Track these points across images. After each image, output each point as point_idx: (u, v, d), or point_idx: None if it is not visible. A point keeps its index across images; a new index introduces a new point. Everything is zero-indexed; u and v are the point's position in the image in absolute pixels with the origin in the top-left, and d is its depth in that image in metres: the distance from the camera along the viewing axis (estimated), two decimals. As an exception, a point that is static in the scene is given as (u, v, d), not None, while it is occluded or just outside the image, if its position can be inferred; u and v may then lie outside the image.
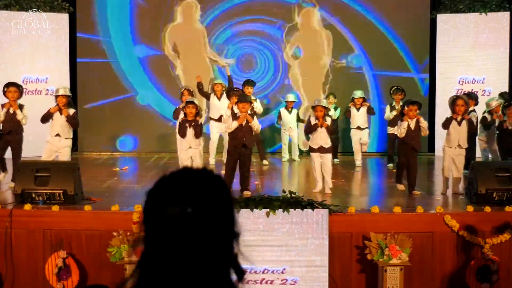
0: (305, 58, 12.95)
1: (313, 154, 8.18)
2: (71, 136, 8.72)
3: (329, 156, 8.19)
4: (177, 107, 9.92)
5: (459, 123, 7.99)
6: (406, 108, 8.13)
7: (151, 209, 1.42)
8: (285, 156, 11.58)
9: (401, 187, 8.25)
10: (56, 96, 8.58)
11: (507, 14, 12.15)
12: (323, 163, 8.12)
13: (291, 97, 11.40)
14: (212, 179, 1.44)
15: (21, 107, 8.68)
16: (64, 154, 8.56)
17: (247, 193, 7.62)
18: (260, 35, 12.93)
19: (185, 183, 1.42)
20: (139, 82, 12.94)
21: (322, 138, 8.09)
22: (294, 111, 11.41)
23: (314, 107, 8.19)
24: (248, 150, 8.07)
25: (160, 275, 1.37)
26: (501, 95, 10.94)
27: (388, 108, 10.94)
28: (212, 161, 10.84)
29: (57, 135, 8.52)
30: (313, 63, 12.97)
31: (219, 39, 12.96)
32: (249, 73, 12.72)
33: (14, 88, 8.68)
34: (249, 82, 10.71)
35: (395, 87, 11.09)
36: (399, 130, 8.10)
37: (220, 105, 10.46)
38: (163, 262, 1.37)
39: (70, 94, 8.84)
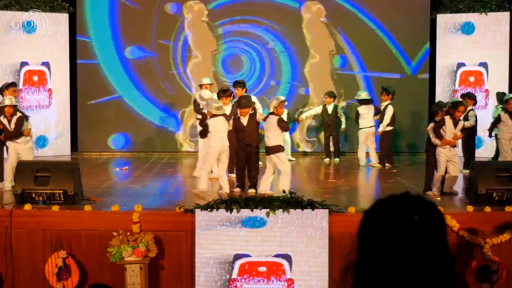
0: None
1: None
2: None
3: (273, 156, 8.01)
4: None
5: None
6: (445, 109, 7.89)
7: (379, 219, 1.65)
8: None
9: (431, 193, 7.81)
10: (3, 107, 8.20)
11: (507, 14, 12.14)
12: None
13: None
14: (430, 203, 1.69)
15: None
16: (25, 155, 8.25)
17: (251, 191, 7.94)
18: (248, 35, 12.90)
19: (409, 198, 1.68)
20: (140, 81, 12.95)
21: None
22: (285, 110, 11.26)
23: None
24: (254, 148, 8.29)
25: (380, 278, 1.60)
26: (497, 95, 10.97)
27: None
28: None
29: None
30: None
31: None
32: (237, 74, 12.70)
33: None
34: (239, 83, 10.39)
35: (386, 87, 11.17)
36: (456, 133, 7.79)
37: None
38: (385, 267, 1.58)
39: (16, 104, 8.48)
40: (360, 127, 11.07)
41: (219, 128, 7.98)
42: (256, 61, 12.96)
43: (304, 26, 12.86)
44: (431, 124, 7.99)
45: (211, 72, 12.66)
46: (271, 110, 8.04)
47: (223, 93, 9.44)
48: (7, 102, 8.24)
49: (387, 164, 10.92)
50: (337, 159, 11.56)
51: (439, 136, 7.78)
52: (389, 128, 11.02)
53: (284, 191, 6.76)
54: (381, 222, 1.62)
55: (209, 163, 8.08)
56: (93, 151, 12.81)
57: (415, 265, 1.56)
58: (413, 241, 1.57)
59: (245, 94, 9.55)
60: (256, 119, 8.39)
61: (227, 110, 9.46)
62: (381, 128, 10.98)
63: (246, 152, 8.22)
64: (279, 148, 7.92)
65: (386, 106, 10.93)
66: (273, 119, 7.97)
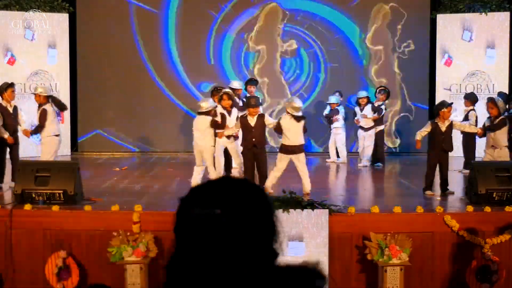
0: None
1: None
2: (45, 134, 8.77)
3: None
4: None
5: None
6: (444, 109, 7.94)
7: (182, 211, 1.42)
8: None
9: (430, 193, 7.94)
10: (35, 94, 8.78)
11: (507, 14, 12.15)
12: None
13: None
14: (249, 187, 1.45)
15: None
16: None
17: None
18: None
19: (219, 188, 1.43)
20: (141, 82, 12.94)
21: None
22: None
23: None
24: (261, 149, 8.21)
25: (188, 276, 1.37)
26: (499, 95, 10.95)
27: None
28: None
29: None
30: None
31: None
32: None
33: None
34: (252, 81, 10.48)
35: (382, 88, 11.13)
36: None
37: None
38: (193, 264, 1.36)
39: (46, 94, 8.78)
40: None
41: None
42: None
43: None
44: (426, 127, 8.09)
45: (273, 71, 12.66)
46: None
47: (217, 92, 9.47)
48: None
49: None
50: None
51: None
52: (381, 127, 10.98)
53: (284, 191, 6.75)
54: (184, 215, 1.39)
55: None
56: (93, 151, 12.82)
57: (225, 264, 1.35)
58: (220, 237, 1.34)
59: (254, 95, 9.58)
60: (263, 120, 8.23)
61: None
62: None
63: (253, 153, 8.12)
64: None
65: (380, 106, 10.87)
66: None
